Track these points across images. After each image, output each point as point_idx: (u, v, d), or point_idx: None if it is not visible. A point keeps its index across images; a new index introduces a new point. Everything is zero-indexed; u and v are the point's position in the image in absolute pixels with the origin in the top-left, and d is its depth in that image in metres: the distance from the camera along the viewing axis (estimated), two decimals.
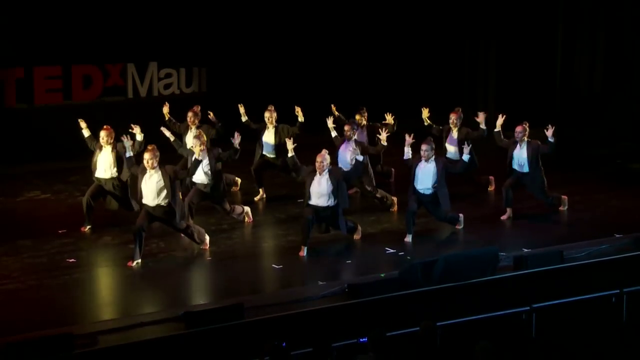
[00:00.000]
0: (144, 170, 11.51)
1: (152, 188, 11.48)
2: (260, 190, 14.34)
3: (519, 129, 13.33)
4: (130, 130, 12.52)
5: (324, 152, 11.96)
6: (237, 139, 12.52)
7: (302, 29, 19.02)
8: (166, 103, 14.35)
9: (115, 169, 12.67)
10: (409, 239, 12.34)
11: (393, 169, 14.98)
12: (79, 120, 13.03)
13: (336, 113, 14.51)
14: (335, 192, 11.81)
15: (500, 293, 10.79)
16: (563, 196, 13.67)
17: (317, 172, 11.84)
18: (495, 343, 8.20)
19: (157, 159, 11.45)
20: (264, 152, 14.21)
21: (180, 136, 13.80)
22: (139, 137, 12.56)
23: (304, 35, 19.06)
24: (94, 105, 17.46)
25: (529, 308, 10.27)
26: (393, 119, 14.32)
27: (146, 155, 11.45)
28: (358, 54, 19.67)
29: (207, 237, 12.06)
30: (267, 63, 18.81)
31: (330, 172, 11.82)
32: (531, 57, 19.08)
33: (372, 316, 10.01)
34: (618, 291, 10.75)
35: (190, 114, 14.01)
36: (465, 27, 19.41)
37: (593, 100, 17.79)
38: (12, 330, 9.39)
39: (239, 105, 14.33)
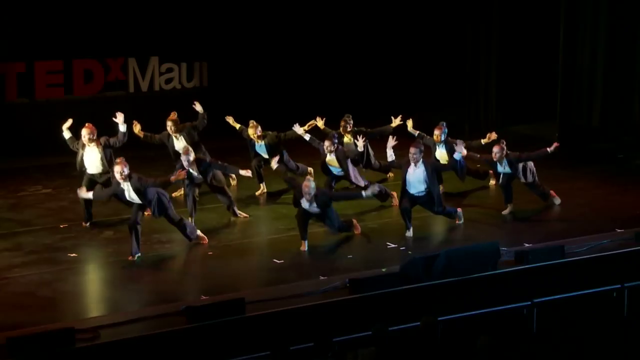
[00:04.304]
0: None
1: (132, 197, 11.61)
2: (261, 185, 14.34)
3: (496, 148, 13.10)
4: (113, 118, 12.66)
5: (308, 181, 11.77)
6: (198, 106, 13.69)
7: (303, 24, 19.01)
8: (135, 122, 13.64)
9: (106, 162, 12.71)
10: (409, 233, 12.36)
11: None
12: (67, 122, 12.99)
13: (322, 127, 14.25)
14: (323, 215, 11.91)
15: (501, 288, 10.80)
16: (552, 191, 13.65)
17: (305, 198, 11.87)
18: (496, 338, 8.21)
19: (126, 171, 11.42)
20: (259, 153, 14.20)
21: (161, 146, 13.78)
22: (122, 127, 12.65)
23: (305, 30, 19.05)
24: (95, 99, 17.47)
25: (530, 303, 10.27)
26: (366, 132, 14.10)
27: (116, 168, 11.46)
28: (359, 47, 19.65)
29: (199, 232, 12.06)
30: (268, 57, 18.81)
31: (316, 197, 11.78)
32: (532, 51, 19.07)
33: (374, 311, 10.01)
34: (619, 286, 10.75)
35: (169, 124, 13.72)
36: (466, 21, 19.37)
37: (594, 95, 17.77)
38: (14, 325, 9.41)
39: (227, 118, 14.22)
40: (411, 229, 12.37)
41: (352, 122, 14.18)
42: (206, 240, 12.05)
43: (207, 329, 9.41)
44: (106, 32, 17.31)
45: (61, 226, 12.80)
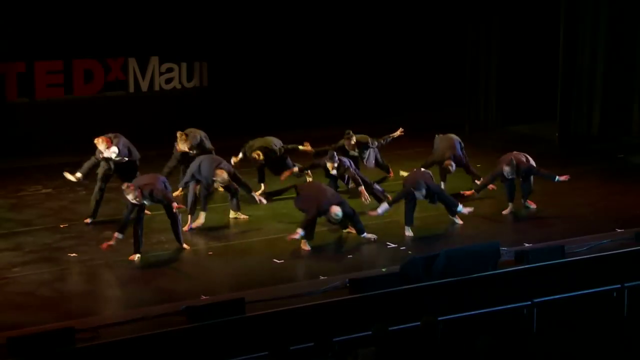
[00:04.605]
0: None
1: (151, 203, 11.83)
2: (262, 185, 14.33)
3: (507, 167, 13.05)
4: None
5: (336, 215, 11.83)
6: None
7: (303, 23, 19.01)
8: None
9: (127, 153, 13.01)
10: (409, 232, 12.36)
11: (389, 166, 14.97)
12: (65, 174, 13.17)
13: (310, 150, 14.33)
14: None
15: (501, 288, 10.80)
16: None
17: None
18: (496, 338, 8.21)
19: (137, 194, 11.43)
20: None
21: (162, 146, 13.81)
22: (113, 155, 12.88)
23: (306, 30, 19.05)
24: (95, 99, 17.48)
25: (530, 303, 10.26)
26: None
27: (130, 197, 11.45)
28: (359, 47, 19.65)
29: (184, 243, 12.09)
30: (268, 57, 18.81)
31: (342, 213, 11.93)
32: (533, 51, 19.07)
33: (374, 311, 10.02)
34: (619, 286, 10.74)
35: (184, 148, 13.74)
36: (467, 21, 19.38)
37: (594, 97, 17.77)
38: (14, 324, 9.41)
39: (233, 159, 14.04)
40: (410, 229, 12.40)
41: (354, 138, 14.15)
42: (188, 247, 12.01)
43: (207, 329, 9.41)
44: (106, 32, 17.31)
45: (61, 226, 12.80)
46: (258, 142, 14.20)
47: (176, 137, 13.82)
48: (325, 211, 11.83)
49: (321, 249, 11.97)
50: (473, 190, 13.39)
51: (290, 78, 18.89)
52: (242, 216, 13.13)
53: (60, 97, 17.34)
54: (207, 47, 18.34)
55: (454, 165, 13.97)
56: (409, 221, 12.45)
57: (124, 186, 11.51)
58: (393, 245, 12.02)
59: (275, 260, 11.53)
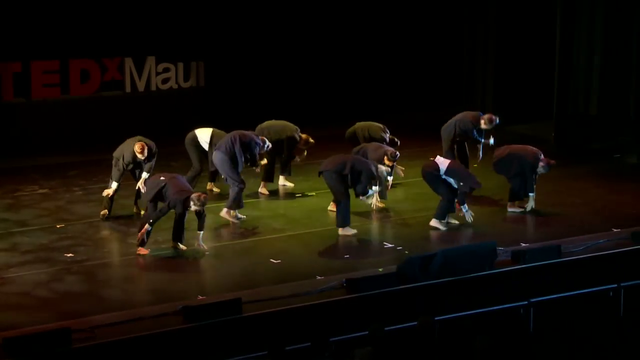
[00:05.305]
0: None
1: None
2: (264, 182, 14.32)
3: (542, 170, 13.18)
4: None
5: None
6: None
7: (300, 23, 19.01)
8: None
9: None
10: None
11: None
12: (103, 193, 13.01)
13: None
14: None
15: (498, 287, 10.81)
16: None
17: None
18: (493, 338, 8.22)
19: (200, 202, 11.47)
20: None
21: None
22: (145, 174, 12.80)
23: (303, 29, 19.06)
24: (91, 99, 17.46)
25: (527, 302, 10.28)
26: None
27: (193, 207, 11.46)
28: (357, 47, 19.66)
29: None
30: (265, 57, 18.81)
31: None
32: (530, 50, 19.10)
33: (370, 311, 10.02)
34: (615, 285, 10.76)
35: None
36: (463, 21, 19.41)
37: (591, 94, 17.79)
38: (10, 325, 9.40)
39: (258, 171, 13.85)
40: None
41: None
42: (185, 247, 11.97)
43: (204, 329, 9.41)
44: (103, 31, 17.30)
45: (57, 226, 12.79)
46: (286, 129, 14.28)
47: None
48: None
49: (318, 249, 11.96)
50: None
51: (288, 78, 18.89)
52: (241, 216, 13.08)
53: (56, 97, 17.31)
54: (203, 47, 18.32)
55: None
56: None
57: (196, 196, 11.39)
58: (390, 245, 12.02)
59: (272, 260, 11.53)
